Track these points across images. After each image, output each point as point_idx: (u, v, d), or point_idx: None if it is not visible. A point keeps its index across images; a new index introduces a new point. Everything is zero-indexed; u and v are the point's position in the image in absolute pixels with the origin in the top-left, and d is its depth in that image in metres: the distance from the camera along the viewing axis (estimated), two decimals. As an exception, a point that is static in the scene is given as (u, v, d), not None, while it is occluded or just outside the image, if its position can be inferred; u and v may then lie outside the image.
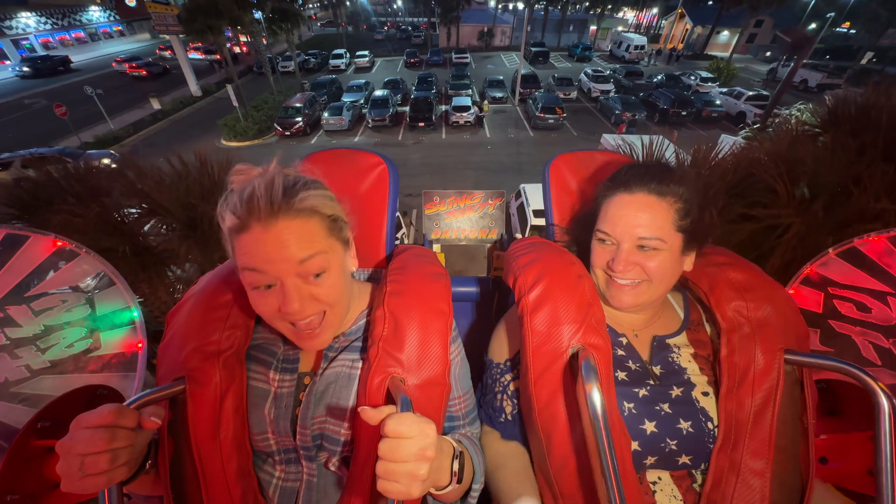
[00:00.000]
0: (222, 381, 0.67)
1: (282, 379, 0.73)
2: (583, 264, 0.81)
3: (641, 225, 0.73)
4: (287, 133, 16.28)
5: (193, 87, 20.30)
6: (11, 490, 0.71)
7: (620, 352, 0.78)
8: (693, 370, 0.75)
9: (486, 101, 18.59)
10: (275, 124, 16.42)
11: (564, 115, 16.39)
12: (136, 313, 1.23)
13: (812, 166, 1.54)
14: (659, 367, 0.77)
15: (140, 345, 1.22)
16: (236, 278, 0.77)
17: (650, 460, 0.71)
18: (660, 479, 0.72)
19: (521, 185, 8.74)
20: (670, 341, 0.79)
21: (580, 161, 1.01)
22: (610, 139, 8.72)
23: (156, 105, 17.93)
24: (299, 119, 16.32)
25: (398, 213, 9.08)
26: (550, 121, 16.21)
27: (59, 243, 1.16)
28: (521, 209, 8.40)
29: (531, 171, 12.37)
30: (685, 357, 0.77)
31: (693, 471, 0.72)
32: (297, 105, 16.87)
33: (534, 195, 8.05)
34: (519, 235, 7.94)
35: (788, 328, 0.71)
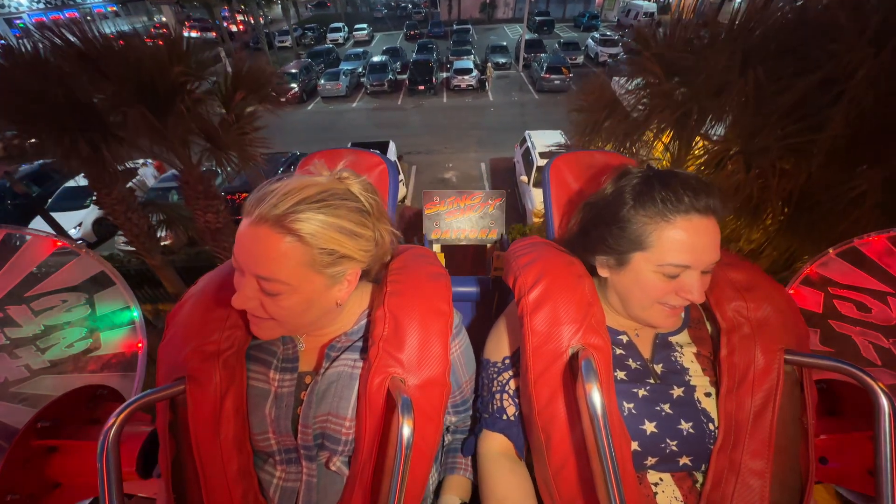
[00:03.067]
0: (222, 381, 0.67)
1: (282, 378, 0.73)
2: (582, 264, 0.80)
3: (715, 248, 0.68)
4: (282, 99, 15.78)
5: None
6: (11, 490, 0.72)
7: (620, 350, 0.78)
8: (695, 371, 0.75)
9: (489, 65, 17.85)
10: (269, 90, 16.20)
11: (571, 75, 15.39)
12: (136, 313, 1.23)
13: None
14: (661, 365, 0.77)
15: (140, 345, 1.22)
16: None
17: (650, 461, 0.71)
18: (661, 480, 0.72)
19: (526, 132, 9.11)
20: (673, 339, 0.79)
21: (580, 161, 1.01)
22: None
23: (147, 78, 17.90)
24: (294, 85, 15.81)
25: (395, 160, 8.98)
26: (556, 82, 15.24)
27: (59, 243, 1.16)
28: (527, 154, 8.65)
29: (536, 129, 12.51)
30: (688, 357, 0.77)
31: (694, 472, 0.72)
32: (293, 71, 16.30)
33: (539, 139, 8.45)
34: (524, 178, 8.15)
35: (788, 328, 0.71)
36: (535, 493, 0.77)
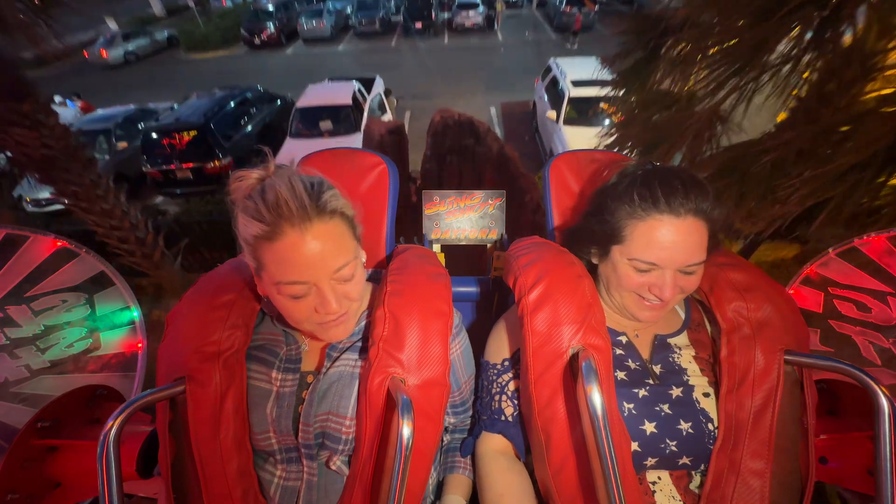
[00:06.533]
0: (222, 381, 0.67)
1: (284, 378, 0.73)
2: (583, 264, 0.80)
3: (690, 250, 0.68)
4: (256, 41, 13.74)
5: (157, 7, 18.19)
6: (11, 490, 0.72)
7: (620, 351, 0.78)
8: (693, 371, 0.75)
9: (499, 1, 15.32)
10: (241, 30, 13.91)
11: (596, 7, 13.16)
12: (136, 313, 1.23)
13: None
14: (659, 366, 0.77)
15: (140, 345, 1.22)
16: (237, 278, 0.77)
17: (650, 461, 0.71)
18: (659, 479, 0.72)
19: (552, 60, 7.41)
20: (671, 341, 0.79)
21: (580, 161, 1.01)
22: None
23: (112, 25, 15.37)
24: (271, 24, 13.84)
25: (381, 94, 7.64)
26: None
27: (59, 243, 1.16)
28: (553, 85, 6.92)
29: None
30: (686, 358, 0.77)
31: (692, 471, 0.72)
32: (269, 9, 14.27)
33: (569, 67, 6.71)
34: (552, 114, 6.41)
35: (788, 328, 0.71)
36: (535, 492, 0.77)
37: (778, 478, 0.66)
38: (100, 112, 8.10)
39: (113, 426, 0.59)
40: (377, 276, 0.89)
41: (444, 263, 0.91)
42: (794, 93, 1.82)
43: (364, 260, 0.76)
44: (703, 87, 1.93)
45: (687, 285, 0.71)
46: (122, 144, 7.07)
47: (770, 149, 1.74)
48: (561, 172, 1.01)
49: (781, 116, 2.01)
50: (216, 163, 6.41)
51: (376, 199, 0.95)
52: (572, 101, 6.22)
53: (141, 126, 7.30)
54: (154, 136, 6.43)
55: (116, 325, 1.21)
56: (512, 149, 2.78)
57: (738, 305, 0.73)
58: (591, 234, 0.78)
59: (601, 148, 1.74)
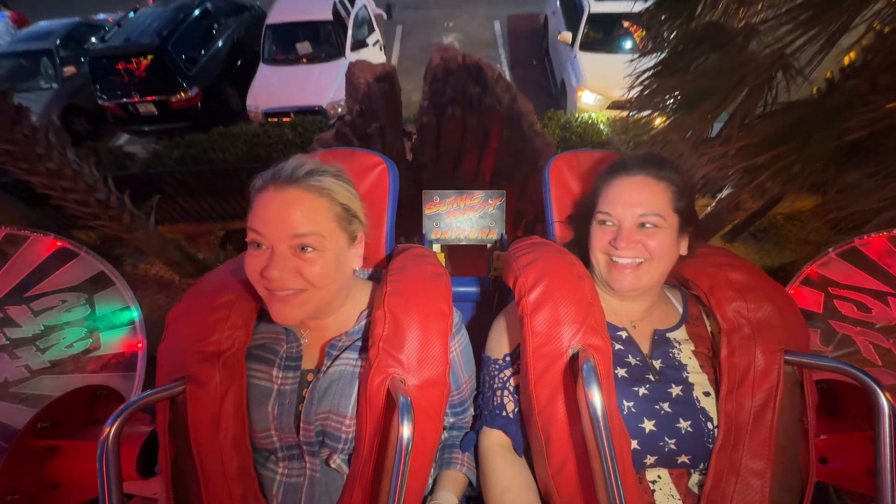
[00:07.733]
0: (223, 381, 0.67)
1: (285, 376, 0.73)
2: (583, 264, 0.81)
3: (641, 203, 0.77)
4: None
5: None
6: (11, 490, 0.72)
7: (619, 346, 0.79)
8: (694, 367, 0.75)
9: None
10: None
11: None
12: (135, 313, 1.23)
13: None
14: (659, 361, 0.77)
15: (140, 345, 1.22)
16: (237, 279, 0.77)
17: (650, 460, 0.71)
18: (659, 477, 0.72)
19: None
20: (671, 335, 0.80)
21: (580, 160, 1.01)
22: None
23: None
24: None
25: (366, 4, 6.22)
26: None
27: (59, 243, 1.16)
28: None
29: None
30: (686, 353, 0.77)
31: (691, 470, 0.72)
32: None
33: None
34: (566, 36, 5.21)
35: (788, 329, 0.71)
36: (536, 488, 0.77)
37: (778, 478, 0.66)
38: (41, 25, 6.50)
39: (113, 426, 0.59)
40: (377, 276, 0.89)
41: (444, 263, 0.91)
42: (878, 25, 1.19)
43: (358, 265, 0.76)
44: (772, 23, 1.41)
45: (650, 243, 0.76)
46: (70, 69, 5.90)
47: (833, 108, 1.24)
48: (561, 172, 1.01)
49: (850, 58, 1.43)
50: (182, 94, 5.40)
51: (376, 200, 0.95)
52: (593, 18, 4.98)
53: (92, 44, 6.02)
54: (104, 61, 5.30)
55: (116, 325, 1.21)
56: (526, 100, 2.26)
57: (739, 305, 0.73)
58: (584, 210, 0.89)
59: (628, 96, 1.60)
